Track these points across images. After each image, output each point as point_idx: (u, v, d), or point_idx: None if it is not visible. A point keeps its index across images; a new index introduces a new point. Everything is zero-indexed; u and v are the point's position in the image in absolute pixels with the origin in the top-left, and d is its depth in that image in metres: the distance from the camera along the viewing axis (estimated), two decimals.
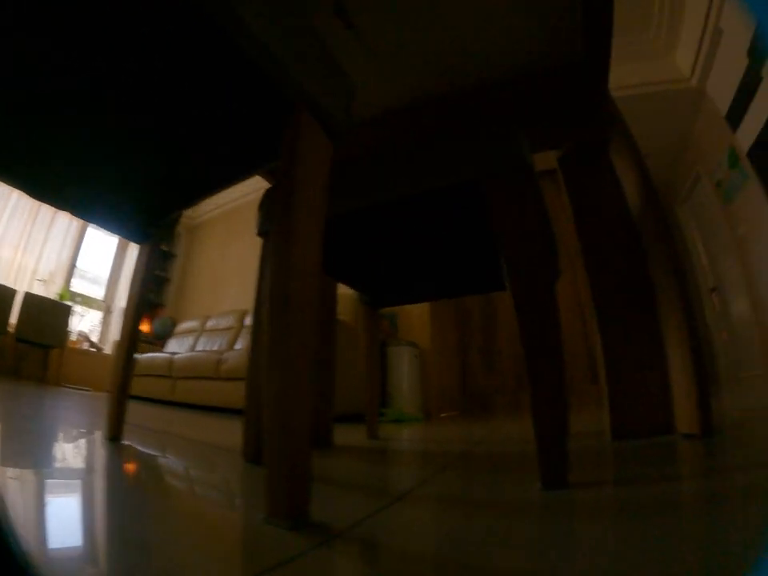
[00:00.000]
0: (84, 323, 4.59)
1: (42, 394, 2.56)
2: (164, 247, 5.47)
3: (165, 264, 5.53)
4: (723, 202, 3.71)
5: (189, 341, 4.13)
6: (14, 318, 3.38)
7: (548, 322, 0.62)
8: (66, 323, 3.86)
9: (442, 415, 3.07)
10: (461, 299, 3.78)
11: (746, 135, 3.01)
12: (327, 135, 0.56)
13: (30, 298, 3.52)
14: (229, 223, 5.25)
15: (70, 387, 3.57)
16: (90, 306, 4.69)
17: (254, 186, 3.84)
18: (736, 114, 3.08)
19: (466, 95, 1.13)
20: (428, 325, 3.24)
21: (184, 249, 5.72)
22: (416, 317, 3.28)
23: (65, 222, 4.25)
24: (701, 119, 3.73)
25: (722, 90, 3.19)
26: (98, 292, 4.81)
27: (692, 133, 3.97)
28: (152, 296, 5.25)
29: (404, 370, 2.82)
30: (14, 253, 3.82)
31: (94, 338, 4.57)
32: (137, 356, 3.54)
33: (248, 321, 3.45)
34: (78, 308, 4.38)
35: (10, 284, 3.50)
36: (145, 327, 4.90)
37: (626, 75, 3.49)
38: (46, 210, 3.97)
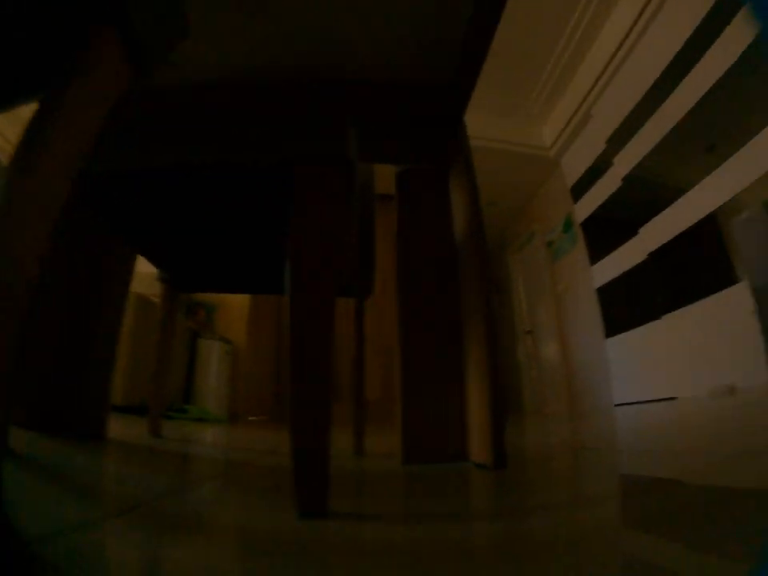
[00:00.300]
0: None
1: None
2: None
3: None
4: (551, 260, 4.33)
5: None
6: None
7: (319, 336, 0.57)
8: None
9: (250, 418, 2.91)
10: (284, 298, 3.59)
11: (585, 208, 3.56)
12: (130, 60, 0.46)
13: None
14: None
15: None
16: None
17: None
18: (580, 188, 3.63)
19: (316, 83, 1.06)
20: (245, 321, 3.01)
21: None
22: (236, 310, 3.03)
23: None
24: (549, 185, 4.32)
25: (574, 166, 3.73)
26: None
27: (538, 195, 4.57)
28: None
29: (213, 366, 2.63)
30: None
31: None
32: None
33: None
34: None
35: None
36: None
37: (497, 128, 3.87)
38: None
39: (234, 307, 3.02)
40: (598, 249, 3.43)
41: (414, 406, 1.03)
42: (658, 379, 2.68)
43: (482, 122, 3.94)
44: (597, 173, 3.36)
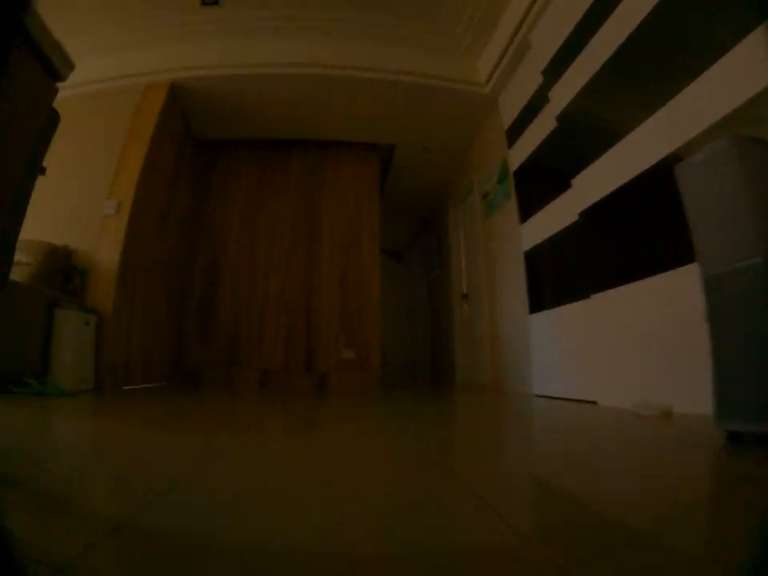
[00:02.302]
0: None
1: None
2: None
3: None
4: (484, 215, 3.76)
5: None
6: None
7: None
8: None
9: (127, 388, 2.84)
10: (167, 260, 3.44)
11: (518, 154, 2.97)
12: None
13: None
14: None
15: None
16: None
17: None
18: (516, 131, 3.03)
19: None
20: (113, 285, 2.76)
21: None
22: (105, 275, 2.77)
23: None
24: (486, 128, 3.69)
25: (511, 104, 3.11)
26: None
27: (476, 140, 3.94)
28: None
29: (70, 337, 2.46)
30: None
31: None
32: None
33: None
34: None
35: None
36: None
37: (423, 63, 3.20)
38: None
39: (104, 271, 2.80)
40: (530, 204, 2.87)
41: None
42: (578, 375, 2.23)
43: (406, 56, 3.23)
44: (534, 111, 2.75)
